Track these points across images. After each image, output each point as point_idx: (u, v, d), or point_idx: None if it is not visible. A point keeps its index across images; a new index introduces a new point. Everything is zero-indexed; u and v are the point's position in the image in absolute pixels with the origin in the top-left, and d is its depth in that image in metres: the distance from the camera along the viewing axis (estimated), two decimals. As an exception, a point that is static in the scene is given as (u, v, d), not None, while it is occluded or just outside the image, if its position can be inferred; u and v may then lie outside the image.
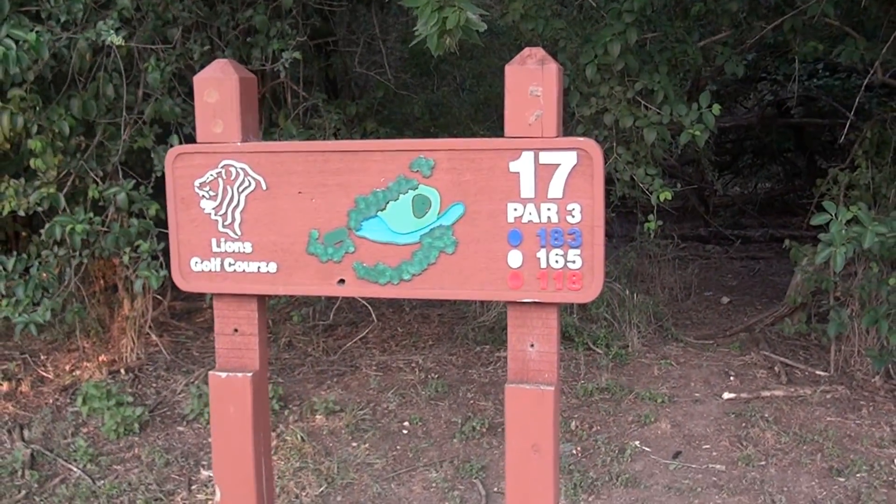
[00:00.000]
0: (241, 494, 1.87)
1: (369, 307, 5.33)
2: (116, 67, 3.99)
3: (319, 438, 3.95)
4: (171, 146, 3.53)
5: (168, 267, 3.96)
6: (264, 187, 1.76)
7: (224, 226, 1.79)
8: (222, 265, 1.80)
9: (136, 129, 4.17)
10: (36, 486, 3.53)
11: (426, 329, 5.53)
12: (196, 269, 1.81)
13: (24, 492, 3.48)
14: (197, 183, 1.79)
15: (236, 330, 1.85)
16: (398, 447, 3.89)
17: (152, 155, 4.12)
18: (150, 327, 4.81)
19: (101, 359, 4.70)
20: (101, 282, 4.75)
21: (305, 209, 1.73)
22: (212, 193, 1.78)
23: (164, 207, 3.90)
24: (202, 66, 1.80)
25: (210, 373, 1.85)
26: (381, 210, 1.69)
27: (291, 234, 1.75)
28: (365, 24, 6.18)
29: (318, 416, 4.16)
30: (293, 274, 1.76)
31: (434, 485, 3.53)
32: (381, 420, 4.18)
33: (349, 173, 1.70)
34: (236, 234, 1.78)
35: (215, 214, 1.79)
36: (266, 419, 1.92)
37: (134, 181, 4.07)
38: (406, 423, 4.13)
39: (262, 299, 1.85)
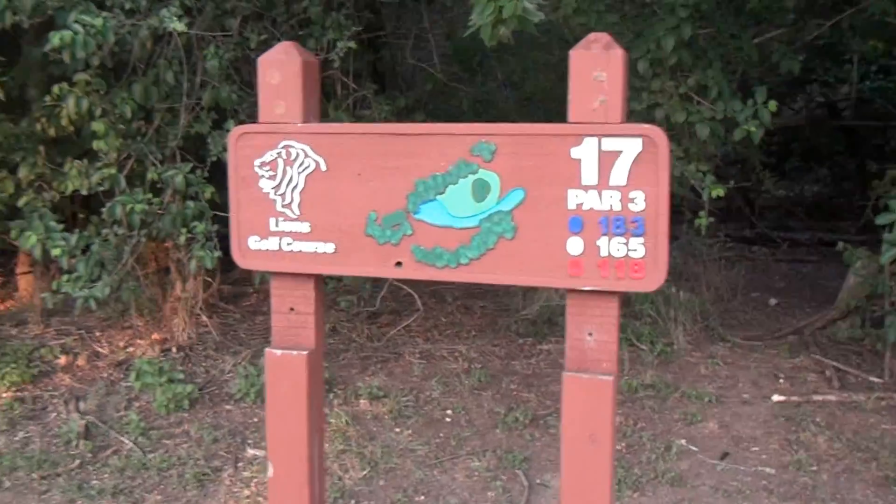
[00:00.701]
0: (293, 472, 1.87)
1: (414, 295, 5.36)
2: (176, 55, 4.09)
3: (363, 422, 3.99)
4: (227, 132, 3.62)
5: (222, 248, 4.07)
6: (324, 168, 1.77)
7: (282, 205, 1.80)
8: (280, 244, 1.81)
9: (194, 114, 4.27)
10: (90, 455, 3.65)
11: (469, 320, 5.55)
12: (254, 247, 1.83)
13: (78, 461, 3.59)
14: (257, 162, 1.80)
15: (292, 309, 1.87)
16: (441, 435, 3.91)
17: (208, 140, 4.22)
18: (200, 308, 4.93)
19: (153, 337, 4.83)
20: (154, 263, 4.89)
21: (364, 191, 1.73)
22: (271, 173, 1.80)
23: (218, 191, 4.03)
24: (259, 55, 1.82)
25: (266, 350, 1.87)
26: (441, 193, 1.68)
27: (350, 216, 1.75)
28: (413, 18, 6.22)
29: (361, 401, 4.21)
30: (351, 255, 1.77)
31: (476, 474, 3.55)
32: (424, 407, 4.21)
33: (409, 156, 1.70)
34: (294, 214, 1.80)
35: (274, 194, 1.80)
36: (320, 398, 1.93)
37: (191, 165, 4.17)
38: (449, 412, 4.16)
39: (319, 279, 1.86)
